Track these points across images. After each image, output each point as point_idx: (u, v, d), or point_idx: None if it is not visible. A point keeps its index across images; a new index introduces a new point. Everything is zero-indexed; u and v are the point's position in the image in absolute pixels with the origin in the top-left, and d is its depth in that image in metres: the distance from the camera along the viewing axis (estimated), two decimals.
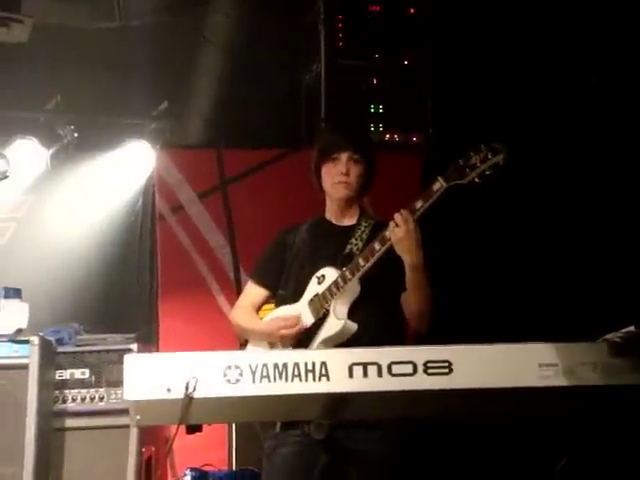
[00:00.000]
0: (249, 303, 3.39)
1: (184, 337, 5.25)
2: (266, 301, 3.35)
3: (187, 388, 2.42)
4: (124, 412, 4.30)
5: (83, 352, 4.58)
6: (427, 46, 5.67)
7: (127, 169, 6.23)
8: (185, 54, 5.80)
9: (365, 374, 2.41)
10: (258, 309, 3.36)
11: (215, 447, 4.69)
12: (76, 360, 4.56)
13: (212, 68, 5.74)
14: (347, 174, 3.23)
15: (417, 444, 3.19)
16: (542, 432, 3.92)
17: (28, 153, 6.13)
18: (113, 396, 4.48)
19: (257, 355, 2.54)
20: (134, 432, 4.38)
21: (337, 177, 3.25)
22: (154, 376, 2.45)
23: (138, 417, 2.52)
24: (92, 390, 4.50)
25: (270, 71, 5.71)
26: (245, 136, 5.73)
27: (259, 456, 3.34)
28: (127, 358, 2.49)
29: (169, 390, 2.43)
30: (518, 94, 5.26)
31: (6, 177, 2.89)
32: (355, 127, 3.43)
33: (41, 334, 4.33)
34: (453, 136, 5.30)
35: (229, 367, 2.43)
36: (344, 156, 3.23)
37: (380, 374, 2.41)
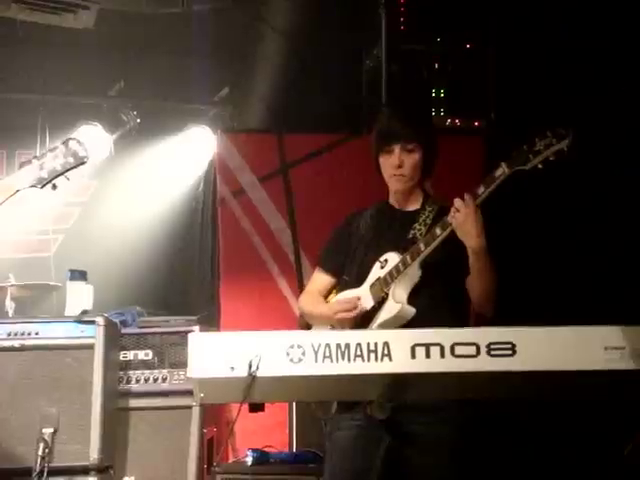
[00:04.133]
0: (315, 289, 3.41)
1: (245, 320, 5.29)
2: (333, 288, 3.36)
3: (250, 366, 2.44)
4: (186, 393, 4.40)
5: (146, 334, 4.64)
6: (489, 29, 5.61)
7: (189, 154, 6.30)
8: (246, 39, 5.82)
9: (428, 355, 2.40)
10: (325, 296, 3.37)
11: (275, 429, 4.72)
12: (139, 342, 4.62)
13: (273, 53, 5.76)
14: (400, 166, 3.22)
15: (479, 427, 3.16)
16: (608, 416, 3.87)
17: (93, 138, 6.24)
18: (176, 377, 4.53)
19: (320, 335, 2.53)
20: (196, 413, 4.43)
21: (391, 170, 3.24)
22: (218, 354, 2.47)
23: (202, 395, 2.55)
24: (155, 371, 4.56)
25: (331, 55, 5.71)
26: (306, 120, 5.74)
27: (320, 438, 3.36)
28: (191, 336, 2.52)
29: (232, 368, 2.45)
30: (583, 77, 5.17)
31: (84, 163, 2.93)
32: (409, 114, 3.35)
33: (106, 315, 4.40)
34: (515, 120, 5.25)
35: (292, 346, 2.44)
36: (396, 148, 3.21)
37: (443, 355, 2.40)
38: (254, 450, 4.29)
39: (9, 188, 2.84)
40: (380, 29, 5.53)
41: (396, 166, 3.21)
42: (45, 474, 3.97)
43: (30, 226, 6.20)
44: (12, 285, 5.03)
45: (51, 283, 5.39)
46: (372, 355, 2.41)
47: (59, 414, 4.11)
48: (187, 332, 4.42)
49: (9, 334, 4.28)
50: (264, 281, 5.42)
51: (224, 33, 5.92)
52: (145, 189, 6.20)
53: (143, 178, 6.25)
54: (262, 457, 4.28)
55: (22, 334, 4.28)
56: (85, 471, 4.09)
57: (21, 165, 2.91)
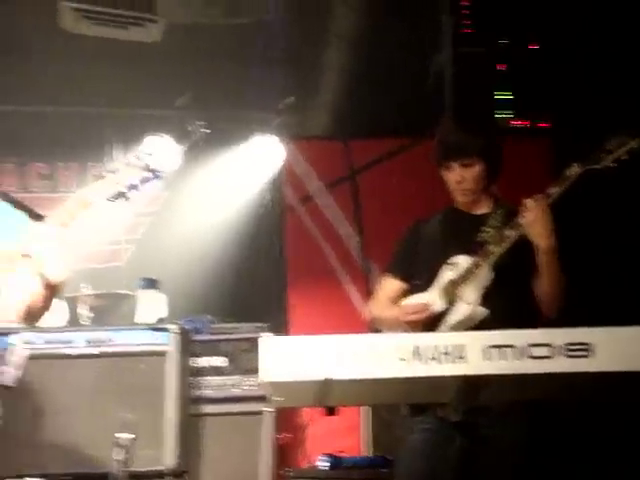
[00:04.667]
0: (385, 295, 3.43)
1: (313, 326, 5.32)
2: (403, 293, 3.37)
3: (323, 370, 2.45)
4: (258, 399, 4.44)
5: (218, 340, 4.69)
6: (555, 30, 5.56)
7: (255, 162, 6.35)
8: (311, 47, 5.86)
9: (502, 357, 2.39)
10: (395, 301, 3.38)
11: (347, 434, 4.74)
12: (211, 348, 4.67)
13: (338, 59, 5.80)
14: (461, 181, 3.23)
15: (552, 429, 3.14)
16: None
17: (162, 150, 6.32)
18: (247, 383, 4.57)
19: (394, 337, 2.55)
20: (268, 418, 4.46)
21: (453, 185, 3.26)
22: (290, 358, 2.49)
23: (275, 399, 2.58)
24: (226, 377, 4.61)
25: (396, 60, 5.71)
26: (372, 126, 5.75)
27: (391, 442, 3.35)
28: (262, 340, 2.54)
29: (305, 372, 2.47)
30: None
31: (158, 177, 2.95)
32: (468, 127, 3.31)
33: (179, 322, 4.46)
34: (583, 121, 5.19)
35: (366, 349, 2.45)
36: (455, 164, 3.22)
37: (517, 357, 2.39)
38: (327, 455, 4.30)
39: (84, 201, 2.88)
40: (444, 32, 5.52)
41: (457, 182, 3.23)
42: (123, 479, 4.03)
43: (103, 237, 6.33)
44: (87, 295, 5.14)
45: (123, 292, 5.48)
46: (447, 357, 2.41)
47: (135, 420, 4.17)
48: (258, 338, 4.47)
49: (87, 342, 4.37)
50: (332, 287, 5.45)
51: (289, 41, 5.96)
52: (213, 198, 6.27)
53: (211, 187, 6.33)
54: (335, 462, 4.30)
55: (99, 342, 4.36)
56: (160, 476, 4.13)
57: (95, 178, 2.94)
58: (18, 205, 3.79)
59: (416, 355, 2.42)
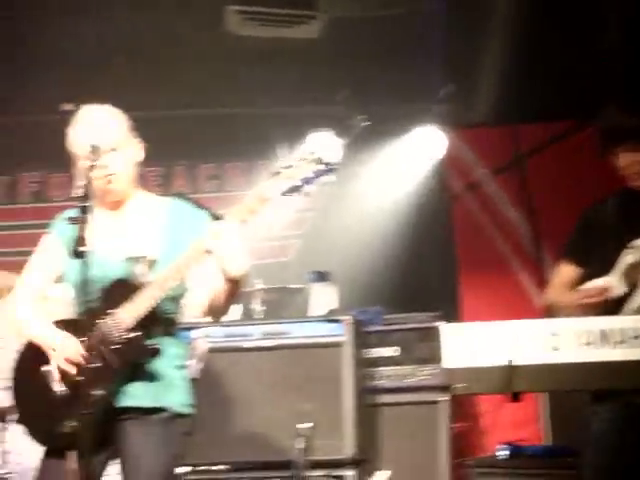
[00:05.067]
0: (562, 281, 3.36)
1: (485, 314, 5.26)
2: (580, 278, 3.30)
3: (506, 356, 2.44)
4: (433, 388, 4.45)
5: (390, 331, 4.73)
6: None
7: (418, 152, 6.34)
8: (471, 33, 5.78)
9: None
10: (573, 287, 3.31)
11: (526, 422, 4.66)
12: (385, 339, 4.71)
13: (499, 43, 5.69)
14: (635, 165, 3.13)
15: None
16: None
17: (322, 144, 6.42)
18: (421, 373, 4.58)
19: (579, 322, 2.49)
20: (444, 408, 4.46)
21: (627, 169, 3.16)
22: (472, 344, 2.48)
23: (458, 385, 2.58)
24: (401, 367, 4.64)
25: (561, 42, 5.55)
26: (537, 110, 5.62)
27: (572, 431, 3.28)
28: (443, 327, 2.55)
29: (488, 358, 2.46)
30: None
31: (332, 170, 2.95)
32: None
33: (352, 314, 4.52)
34: None
35: (551, 334, 2.42)
36: (628, 148, 3.13)
37: None
38: (507, 444, 4.25)
39: (262, 197, 2.93)
40: (613, 12, 5.32)
41: (631, 165, 3.13)
42: (305, 467, 4.14)
43: (272, 232, 6.48)
44: (260, 289, 5.28)
45: (294, 286, 5.59)
46: (637, 341, 2.35)
47: (313, 410, 4.27)
48: (431, 328, 4.48)
49: (264, 334, 4.51)
50: (503, 274, 5.38)
51: (448, 29, 5.90)
52: (377, 190, 6.30)
53: (374, 179, 6.36)
54: (516, 451, 4.23)
55: (275, 334, 4.49)
56: (341, 465, 4.22)
57: (270, 174, 2.98)
58: (196, 204, 3.95)
59: (603, 339, 2.37)
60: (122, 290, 2.96)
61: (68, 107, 6.15)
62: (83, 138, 3.05)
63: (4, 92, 6.05)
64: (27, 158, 6.56)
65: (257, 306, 5.22)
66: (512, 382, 2.45)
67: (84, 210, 2.79)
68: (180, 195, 4.45)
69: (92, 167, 2.93)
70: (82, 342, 2.93)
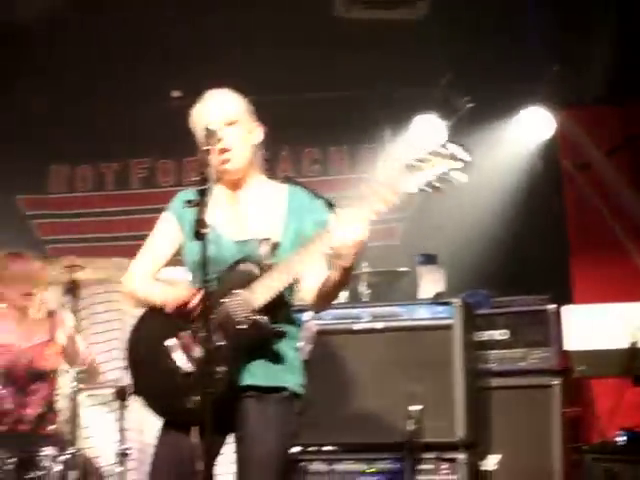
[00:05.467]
0: None
1: (598, 297, 5.12)
2: None
3: (629, 338, 2.39)
4: (544, 372, 4.38)
5: (500, 314, 4.68)
6: None
7: (527, 133, 6.25)
8: (580, 9, 5.65)
9: None
10: None
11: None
12: (494, 322, 4.67)
13: (609, 20, 5.55)
14: None
15: None
16: None
17: (427, 127, 6.40)
18: (532, 356, 4.51)
19: None
20: (556, 392, 4.39)
21: None
22: (594, 327, 2.44)
23: (579, 368, 2.54)
24: (511, 350, 4.59)
25: None
26: None
27: None
28: (565, 309, 2.51)
29: (611, 340, 2.42)
30: None
31: (466, 165, 2.86)
32: None
33: (461, 296, 4.49)
34: None
35: None
36: None
37: None
38: (626, 430, 4.13)
39: (396, 190, 2.87)
40: None
41: None
42: (416, 449, 4.14)
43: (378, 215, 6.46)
44: (366, 272, 5.29)
45: (400, 269, 5.58)
46: None
47: (423, 392, 4.26)
48: (541, 311, 4.40)
49: (373, 317, 4.52)
50: (616, 256, 5.25)
51: (554, 9, 5.79)
52: (482, 172, 6.21)
53: (480, 162, 6.27)
54: (636, 438, 4.11)
55: (384, 317, 4.50)
56: (452, 447, 4.21)
57: (405, 167, 2.91)
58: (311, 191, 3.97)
59: None
60: (246, 272, 3.00)
61: (177, 94, 6.30)
62: (202, 114, 3.13)
63: (116, 81, 6.22)
64: (137, 145, 6.73)
65: (363, 289, 5.23)
66: (635, 365, 2.40)
67: (203, 193, 2.83)
68: (291, 180, 4.51)
69: (209, 150, 2.98)
70: (199, 321, 2.91)
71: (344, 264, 2.94)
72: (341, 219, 2.89)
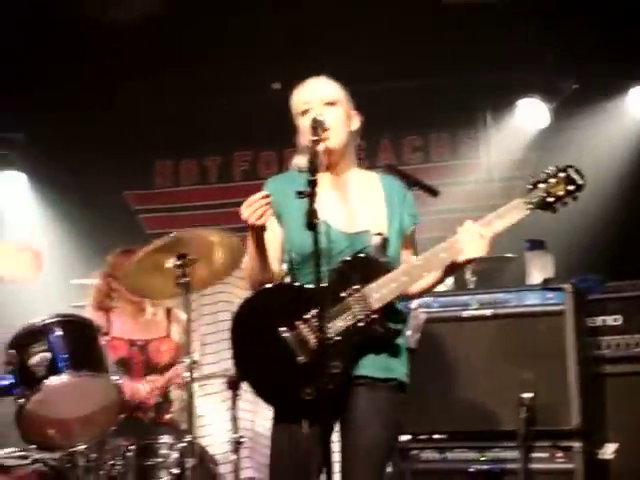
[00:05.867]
0: None
1: None
2: None
3: None
4: None
5: (612, 299, 4.58)
6: None
7: (634, 113, 6.09)
8: None
9: None
10: None
11: None
12: (605, 307, 4.57)
13: None
14: None
15: None
16: None
17: (531, 111, 6.29)
18: None
19: None
20: None
21: None
22: None
23: None
24: (625, 336, 4.48)
25: None
26: None
27: None
28: None
29: None
30: None
31: (580, 189, 3.15)
32: None
33: (572, 281, 4.41)
34: None
35: None
36: None
37: None
38: None
39: (519, 209, 3.08)
40: None
41: None
42: (529, 437, 4.09)
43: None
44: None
45: (507, 255, 5.50)
46: None
47: (536, 379, 4.20)
48: None
49: (480, 304, 4.48)
50: None
51: None
52: (591, 154, 6.08)
53: (587, 143, 6.15)
54: None
55: (492, 303, 4.45)
56: (568, 435, 4.14)
57: (528, 189, 3.08)
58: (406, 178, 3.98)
59: None
60: (363, 266, 3.02)
61: (277, 86, 6.35)
62: (300, 95, 3.19)
63: (217, 75, 6.31)
64: (239, 137, 6.81)
65: (468, 276, 5.18)
66: None
67: (313, 183, 2.84)
68: (391, 167, 4.50)
69: (317, 141, 2.99)
70: (315, 313, 2.94)
71: (455, 272, 3.00)
72: (470, 235, 2.92)
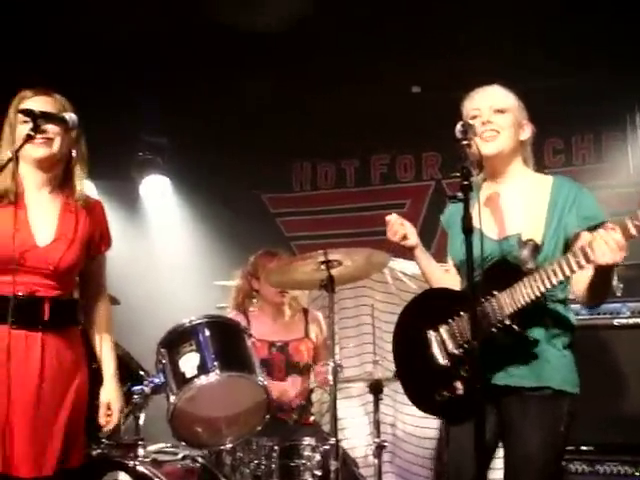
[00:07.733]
0: None
1: None
2: None
3: None
4: None
5: None
6: None
7: None
8: None
9: None
10: None
11: None
12: None
13: None
14: None
15: None
16: None
17: None
18: None
19: None
20: None
21: None
22: None
23: None
24: None
25: None
26: None
27: None
28: None
29: None
30: None
31: None
32: None
33: None
34: None
35: None
36: None
37: None
38: None
39: None
40: None
41: None
42: None
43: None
44: (619, 266, 5.05)
45: None
46: None
47: None
48: None
49: (632, 312, 4.35)
50: None
51: None
52: None
53: None
54: None
55: None
56: None
57: None
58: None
59: None
60: (505, 272, 2.99)
61: (417, 89, 6.31)
62: (471, 101, 3.21)
63: (356, 78, 6.29)
64: (377, 141, 6.80)
65: (615, 282, 5.02)
66: None
67: (467, 188, 2.81)
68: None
69: (469, 145, 2.95)
70: (462, 317, 3.05)
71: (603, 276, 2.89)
72: (604, 241, 2.82)
